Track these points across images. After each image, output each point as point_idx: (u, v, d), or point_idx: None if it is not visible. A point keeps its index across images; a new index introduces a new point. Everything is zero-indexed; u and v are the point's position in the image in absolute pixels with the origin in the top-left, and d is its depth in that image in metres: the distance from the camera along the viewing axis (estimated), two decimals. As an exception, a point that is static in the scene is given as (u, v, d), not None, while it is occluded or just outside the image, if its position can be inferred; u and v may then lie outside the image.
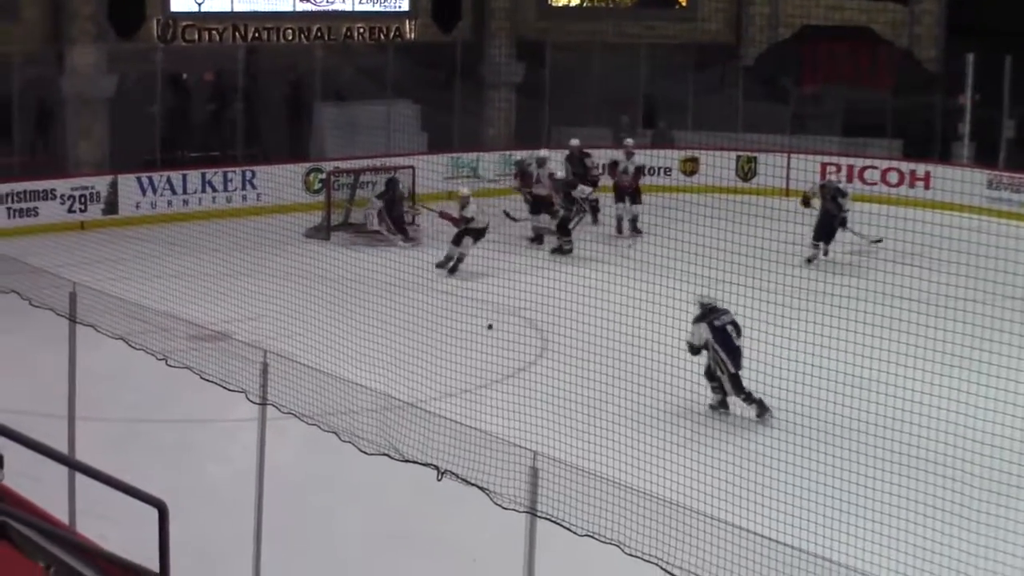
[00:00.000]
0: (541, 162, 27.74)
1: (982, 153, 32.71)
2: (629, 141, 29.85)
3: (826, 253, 25.34)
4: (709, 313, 16.88)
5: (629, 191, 28.51)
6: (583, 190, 27.85)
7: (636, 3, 38.91)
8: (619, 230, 28.15)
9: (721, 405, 16.87)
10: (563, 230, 26.64)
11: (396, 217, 27.23)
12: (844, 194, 26.05)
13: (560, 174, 28.08)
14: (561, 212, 26.72)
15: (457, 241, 24.97)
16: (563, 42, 35.95)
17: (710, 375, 16.89)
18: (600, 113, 36.22)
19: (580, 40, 35.85)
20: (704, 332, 16.75)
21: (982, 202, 29.22)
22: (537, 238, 27.09)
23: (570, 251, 26.19)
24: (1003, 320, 15.47)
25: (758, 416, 16.51)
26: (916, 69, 35.34)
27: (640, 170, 28.93)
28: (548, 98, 35.51)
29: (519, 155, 30.55)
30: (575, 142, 30.21)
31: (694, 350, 16.85)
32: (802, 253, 23.69)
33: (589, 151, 30.42)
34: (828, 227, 25.56)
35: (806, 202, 25.41)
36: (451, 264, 24.76)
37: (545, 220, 26.95)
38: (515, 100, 35.92)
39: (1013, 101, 32.52)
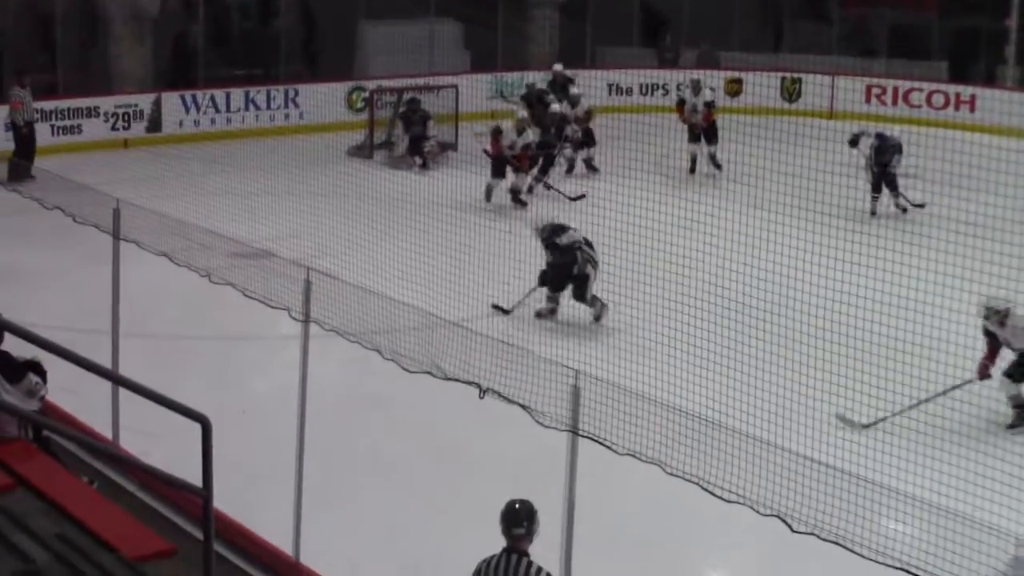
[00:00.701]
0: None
1: (1028, 76, 32.44)
2: (696, 76, 28.09)
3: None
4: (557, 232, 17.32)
5: (703, 130, 26.90)
6: (574, 129, 26.46)
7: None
8: (692, 170, 26.69)
9: (551, 313, 17.27)
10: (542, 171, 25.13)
11: (413, 137, 27.03)
12: (900, 150, 23.21)
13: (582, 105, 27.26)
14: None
15: (500, 172, 24.13)
16: (608, -41, 35.72)
17: (554, 283, 17.27)
18: (646, 33, 35.97)
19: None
20: (575, 234, 17.19)
21: (1029, 124, 28.94)
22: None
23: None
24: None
25: (596, 319, 16.98)
26: (963, -10, 35.01)
27: (711, 105, 27.16)
28: (591, 17, 35.28)
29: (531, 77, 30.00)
30: (558, 67, 29.50)
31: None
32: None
33: (574, 76, 29.32)
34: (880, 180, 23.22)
35: (854, 142, 23.25)
36: (490, 194, 23.80)
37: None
38: (559, 19, 35.64)
39: (1060, 23, 32.22)
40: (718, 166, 26.48)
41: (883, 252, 13.89)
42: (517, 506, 8.05)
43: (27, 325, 7.07)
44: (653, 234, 16.47)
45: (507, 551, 7.97)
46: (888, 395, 12.96)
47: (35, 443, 9.72)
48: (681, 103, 27.58)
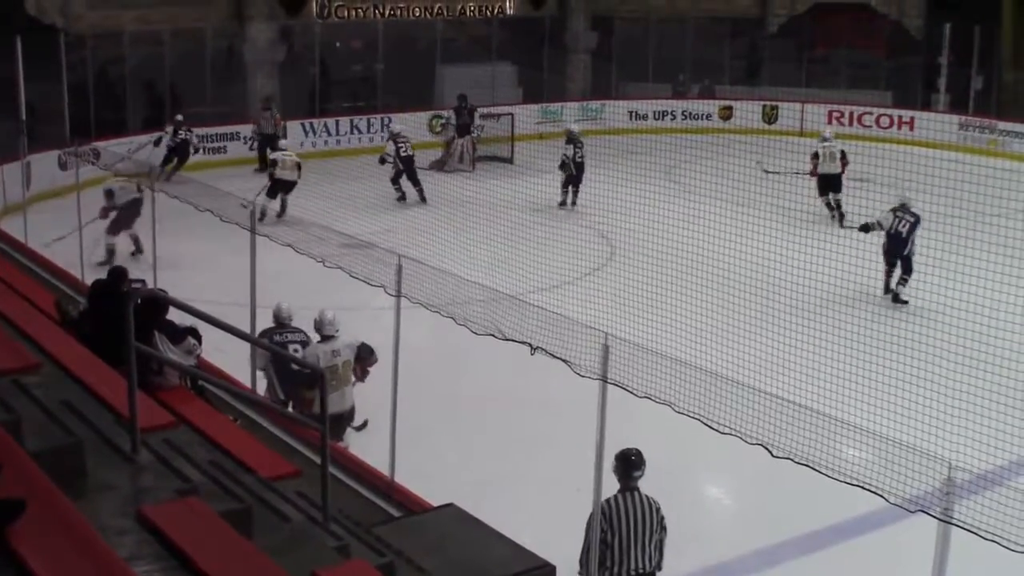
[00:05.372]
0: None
1: (955, 102, 32.12)
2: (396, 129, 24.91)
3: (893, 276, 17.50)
4: None
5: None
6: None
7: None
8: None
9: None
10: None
11: (461, 124, 27.42)
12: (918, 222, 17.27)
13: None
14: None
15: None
16: (628, 16, 35.69)
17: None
18: (658, 72, 35.94)
19: (641, 15, 35.49)
20: None
21: (955, 140, 28.81)
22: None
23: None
24: (973, 231, 15.05)
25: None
26: (904, 36, 34.73)
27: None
28: (616, 60, 35.21)
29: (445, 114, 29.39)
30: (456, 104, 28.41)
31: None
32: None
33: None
34: (897, 251, 17.34)
35: (866, 229, 17.48)
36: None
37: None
38: (590, 62, 35.60)
39: (980, 61, 32.09)
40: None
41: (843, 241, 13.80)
42: (633, 457, 8.12)
43: (186, 300, 7.08)
44: (663, 227, 16.42)
45: (631, 490, 8.10)
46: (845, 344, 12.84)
47: (192, 390, 9.76)
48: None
